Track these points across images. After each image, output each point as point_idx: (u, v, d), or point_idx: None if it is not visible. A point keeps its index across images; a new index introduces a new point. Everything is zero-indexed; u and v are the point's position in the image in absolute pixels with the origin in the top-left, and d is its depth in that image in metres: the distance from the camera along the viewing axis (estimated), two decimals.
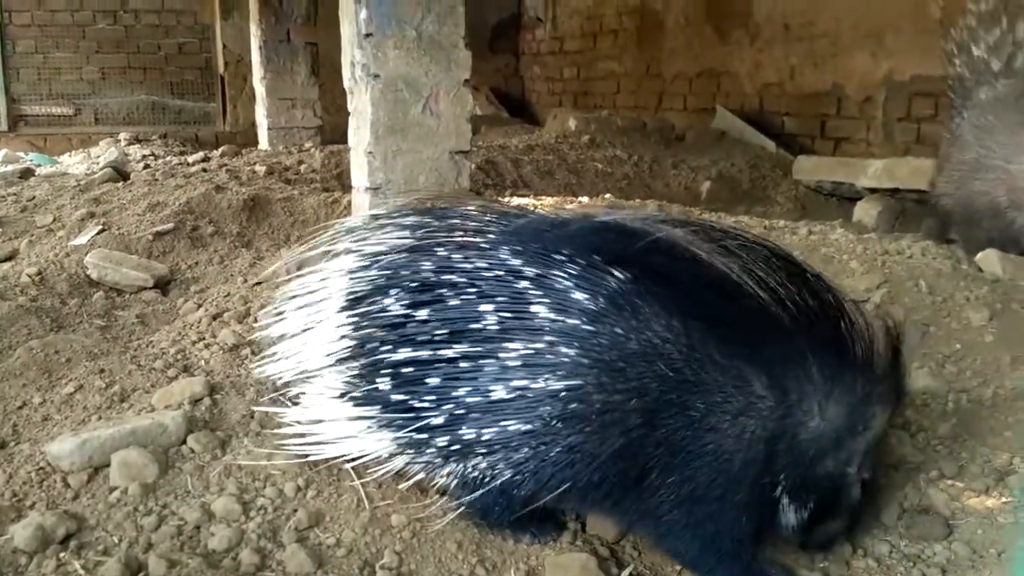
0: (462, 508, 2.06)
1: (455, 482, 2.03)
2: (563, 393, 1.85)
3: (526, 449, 1.90)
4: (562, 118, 8.28)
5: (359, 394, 2.04)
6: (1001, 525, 2.08)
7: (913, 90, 6.52)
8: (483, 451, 1.94)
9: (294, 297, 2.18)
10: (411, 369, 1.95)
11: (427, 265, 2.00)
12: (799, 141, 7.58)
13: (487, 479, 1.97)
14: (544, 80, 11.42)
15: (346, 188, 5.10)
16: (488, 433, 1.91)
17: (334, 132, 7.44)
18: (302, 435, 2.16)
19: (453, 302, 1.94)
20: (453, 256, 1.99)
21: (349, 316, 2.06)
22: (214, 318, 3.24)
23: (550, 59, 11.23)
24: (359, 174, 4.69)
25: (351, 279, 2.09)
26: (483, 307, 1.90)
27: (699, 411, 1.85)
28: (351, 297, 2.07)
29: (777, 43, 7.75)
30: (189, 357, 2.92)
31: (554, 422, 1.87)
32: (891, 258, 3.33)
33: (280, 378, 2.23)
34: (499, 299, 1.90)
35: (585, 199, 5.41)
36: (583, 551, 2.07)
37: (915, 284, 3.10)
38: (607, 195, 5.05)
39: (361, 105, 4.58)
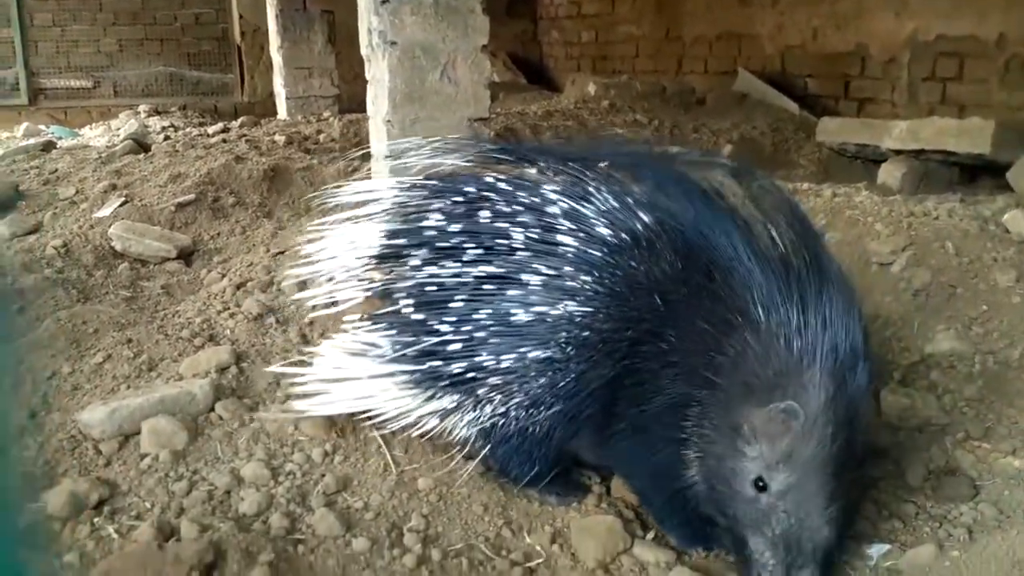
0: (484, 460, 2.12)
1: (475, 431, 2.07)
2: (578, 319, 1.90)
3: (542, 379, 1.95)
4: (581, 83, 8.20)
5: (379, 324, 2.08)
6: None
7: (938, 50, 6.40)
8: (499, 382, 1.97)
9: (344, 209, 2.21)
10: (434, 288, 2.00)
11: (471, 185, 2.06)
12: (822, 103, 7.47)
13: (504, 423, 2.02)
14: (562, 45, 11.29)
15: (365, 157, 5.09)
16: (507, 360, 1.95)
17: (352, 101, 7.42)
18: (320, 392, 2.20)
19: (485, 220, 1.99)
20: (497, 179, 2.05)
21: (388, 227, 2.11)
22: (238, 288, 3.26)
23: (568, 23, 11.09)
24: (378, 142, 4.68)
25: (398, 193, 2.14)
26: (514, 230, 1.96)
27: (670, 345, 1.87)
28: (394, 210, 2.13)
29: (800, 4, 7.61)
30: (215, 326, 2.94)
31: (568, 348, 1.92)
32: (917, 220, 3.29)
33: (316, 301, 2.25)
34: (529, 223, 1.96)
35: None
36: (608, 513, 2.08)
37: (941, 246, 3.06)
38: None
39: (379, 73, 4.56)
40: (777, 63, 7.94)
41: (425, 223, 2.05)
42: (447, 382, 2.01)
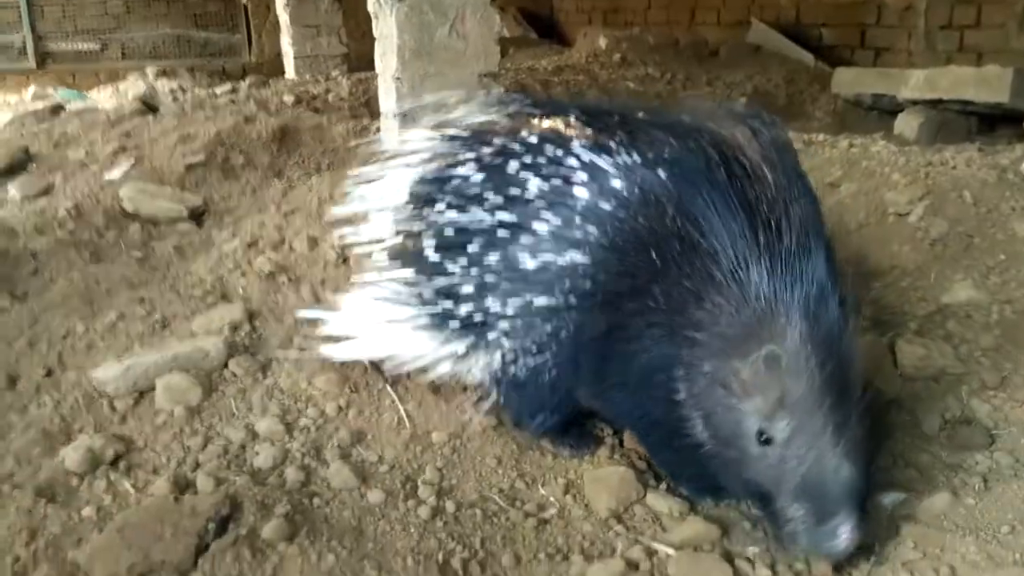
0: (497, 410, 2.16)
1: (488, 377, 2.10)
2: (580, 269, 1.92)
3: (547, 326, 1.98)
4: (592, 37, 8.08)
5: (401, 264, 2.12)
6: None
7: None
8: (507, 327, 2.01)
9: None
10: (452, 233, 2.04)
11: (502, 138, 2.07)
12: (838, 53, 7.34)
13: (514, 370, 2.05)
14: None
15: (374, 115, 5.06)
16: (513, 305, 1.99)
17: (360, 59, 7.33)
18: (345, 336, 2.25)
19: (510, 171, 2.01)
20: (530, 132, 2.06)
21: (420, 174, 2.14)
22: (249, 246, 3.26)
23: None
24: (387, 100, 4.63)
25: (434, 144, 2.16)
26: (532, 180, 1.98)
27: (656, 302, 1.85)
28: (430, 159, 2.15)
29: None
30: (227, 285, 2.94)
31: (570, 297, 1.94)
32: (934, 169, 3.24)
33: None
34: (548, 175, 1.97)
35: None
36: (621, 464, 2.09)
37: (959, 195, 3.02)
38: None
39: (386, 29, 4.50)
40: (791, 13, 7.79)
41: (454, 171, 2.09)
42: (458, 325, 2.06)
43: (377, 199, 2.19)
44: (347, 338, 2.25)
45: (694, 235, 1.81)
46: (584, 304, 1.93)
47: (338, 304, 2.36)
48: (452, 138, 2.15)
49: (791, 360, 1.68)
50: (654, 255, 1.85)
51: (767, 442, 1.71)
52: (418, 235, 2.10)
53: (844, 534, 1.65)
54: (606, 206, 1.91)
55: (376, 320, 2.18)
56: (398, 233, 2.15)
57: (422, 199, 2.11)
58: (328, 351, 2.28)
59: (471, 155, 2.08)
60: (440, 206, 2.07)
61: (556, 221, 1.94)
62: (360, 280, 2.26)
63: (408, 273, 2.11)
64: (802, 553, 1.76)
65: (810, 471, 1.68)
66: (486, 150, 2.08)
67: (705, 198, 1.80)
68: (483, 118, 2.17)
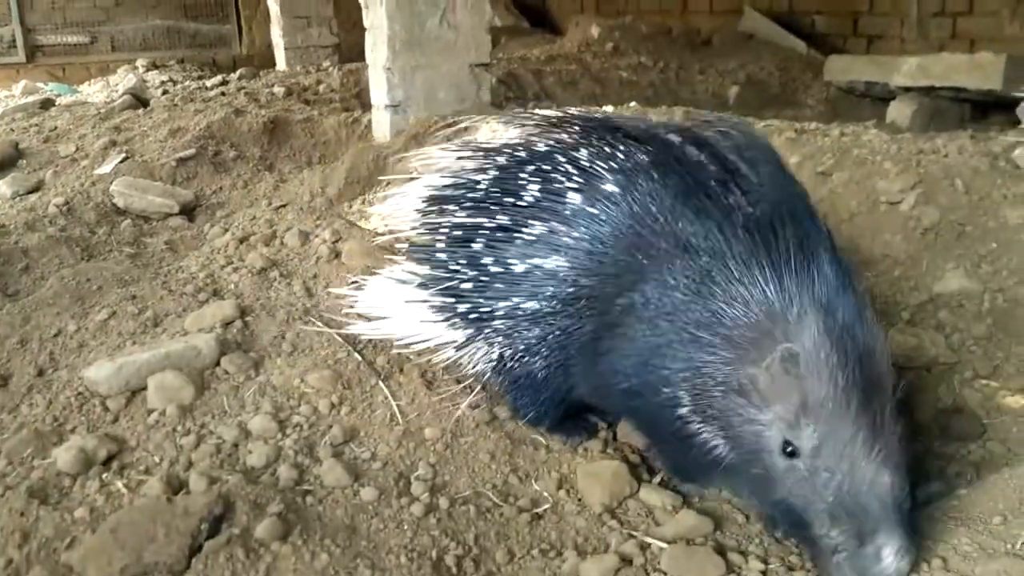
0: (491, 402, 2.20)
1: (488, 368, 2.14)
2: (562, 274, 1.93)
3: (535, 329, 2.00)
4: (584, 26, 8.05)
5: (417, 257, 2.22)
6: None
7: None
8: (500, 326, 2.05)
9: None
10: (460, 233, 2.11)
11: (520, 151, 2.11)
12: (830, 41, 7.33)
13: (509, 365, 2.08)
14: None
15: (366, 107, 5.04)
16: (502, 307, 2.02)
17: (351, 50, 7.31)
18: (368, 316, 2.36)
19: (521, 179, 2.05)
20: (539, 141, 2.09)
21: (440, 181, 2.22)
22: (241, 242, 3.25)
23: None
24: (378, 91, 4.62)
25: (455, 156, 2.25)
26: (532, 185, 2.02)
27: (645, 298, 1.82)
28: (451, 168, 2.24)
29: None
30: (218, 281, 2.94)
31: (554, 303, 1.96)
32: (926, 157, 3.23)
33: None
34: (550, 179, 2.00)
35: (609, 109, 5.29)
36: (614, 458, 2.09)
37: (951, 183, 3.01)
38: (632, 104, 4.93)
39: (377, 20, 4.49)
40: (784, 1, 7.78)
41: (468, 178, 2.16)
42: (458, 318, 2.12)
43: (403, 200, 2.30)
44: (374, 317, 2.34)
45: (686, 234, 1.79)
46: (569, 309, 1.94)
47: (366, 285, 2.45)
48: (469, 149, 2.24)
49: (810, 358, 1.55)
50: (640, 257, 1.83)
51: (793, 454, 1.58)
52: (432, 232, 2.19)
53: (889, 557, 1.48)
54: (593, 209, 1.91)
55: (396, 302, 2.27)
56: (415, 229, 2.25)
57: (439, 201, 2.19)
58: (356, 328, 2.39)
59: (487, 163, 2.15)
60: (453, 207, 2.14)
61: (543, 226, 1.97)
62: (386, 265, 2.39)
63: (422, 268, 2.20)
64: None
65: (844, 483, 1.53)
66: (499, 159, 2.14)
67: (695, 198, 1.80)
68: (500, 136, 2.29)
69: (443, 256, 2.14)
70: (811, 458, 1.56)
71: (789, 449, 1.58)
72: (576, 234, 1.92)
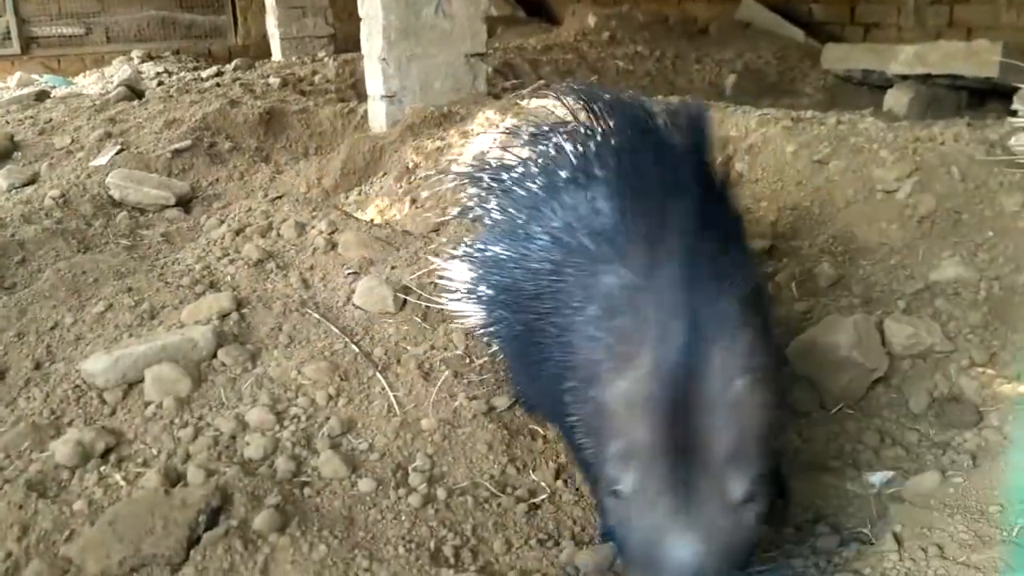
0: (488, 392, 2.23)
1: (494, 338, 2.18)
2: (503, 260, 1.96)
3: (505, 314, 1.99)
4: (581, 15, 8.02)
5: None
6: None
7: None
8: (495, 310, 2.06)
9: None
10: (488, 221, 2.23)
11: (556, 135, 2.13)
12: (828, 29, 7.31)
13: (502, 339, 2.10)
14: None
15: (362, 97, 5.03)
16: (489, 291, 2.06)
17: (347, 41, 7.28)
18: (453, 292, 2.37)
19: (534, 169, 2.10)
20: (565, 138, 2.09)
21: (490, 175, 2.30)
22: (237, 233, 3.24)
23: None
24: (374, 82, 4.61)
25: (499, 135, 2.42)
26: (537, 177, 2.06)
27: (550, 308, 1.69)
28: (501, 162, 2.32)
29: None
30: (215, 273, 2.93)
31: (500, 292, 1.98)
32: (923, 145, 3.23)
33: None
34: (548, 174, 2.02)
35: None
36: None
37: (947, 171, 3.01)
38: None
39: (372, 9, 4.47)
40: None
41: (503, 161, 2.26)
42: (477, 298, 2.16)
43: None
44: (456, 292, 2.35)
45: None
46: (507, 298, 1.94)
47: (449, 264, 2.46)
48: (516, 131, 2.35)
49: (643, 397, 1.34)
50: (565, 254, 1.71)
51: (614, 493, 1.41)
52: (474, 221, 2.33)
53: None
54: (543, 194, 1.97)
55: (460, 281, 2.31)
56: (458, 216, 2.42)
57: (479, 192, 2.31)
58: (445, 303, 2.43)
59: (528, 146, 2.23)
60: (490, 199, 2.24)
61: (513, 213, 2.06)
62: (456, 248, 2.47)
63: (462, 251, 2.30)
64: None
65: (643, 541, 1.38)
66: (539, 146, 2.18)
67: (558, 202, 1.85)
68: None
69: (471, 246, 2.23)
70: (626, 504, 1.40)
71: (613, 487, 1.41)
72: (524, 220, 2.02)
